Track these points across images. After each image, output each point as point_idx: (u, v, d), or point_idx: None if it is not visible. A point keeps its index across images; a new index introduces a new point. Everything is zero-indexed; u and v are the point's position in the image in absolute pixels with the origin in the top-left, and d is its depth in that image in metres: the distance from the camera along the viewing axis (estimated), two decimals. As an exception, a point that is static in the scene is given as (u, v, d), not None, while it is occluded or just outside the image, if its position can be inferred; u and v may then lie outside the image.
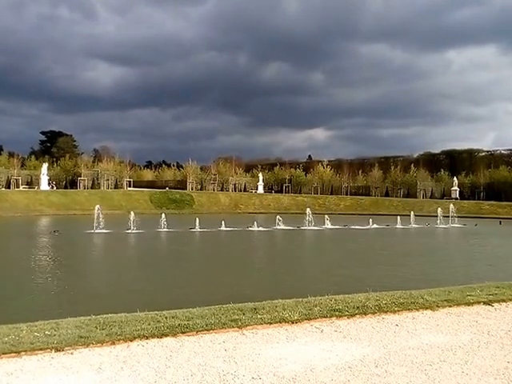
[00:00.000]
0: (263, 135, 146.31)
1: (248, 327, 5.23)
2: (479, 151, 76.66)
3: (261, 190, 62.72)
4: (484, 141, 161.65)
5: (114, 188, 57.36)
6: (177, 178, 67.81)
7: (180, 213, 48.78)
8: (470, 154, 76.13)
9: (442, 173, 64.21)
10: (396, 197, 60.22)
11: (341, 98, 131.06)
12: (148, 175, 78.77)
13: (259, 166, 71.50)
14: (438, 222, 34.51)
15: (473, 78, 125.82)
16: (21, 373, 3.94)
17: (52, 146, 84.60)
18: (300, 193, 63.70)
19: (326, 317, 5.68)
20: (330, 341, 4.92)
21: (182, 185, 62.15)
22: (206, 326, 5.17)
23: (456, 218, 35.74)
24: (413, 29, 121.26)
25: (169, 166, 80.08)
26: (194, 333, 5.01)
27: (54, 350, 4.42)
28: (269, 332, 5.16)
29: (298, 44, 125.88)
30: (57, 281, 12.59)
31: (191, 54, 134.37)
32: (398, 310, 6.07)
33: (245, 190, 63.90)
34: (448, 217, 35.39)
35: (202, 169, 67.44)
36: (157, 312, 5.75)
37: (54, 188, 53.87)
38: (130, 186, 59.73)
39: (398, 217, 33.85)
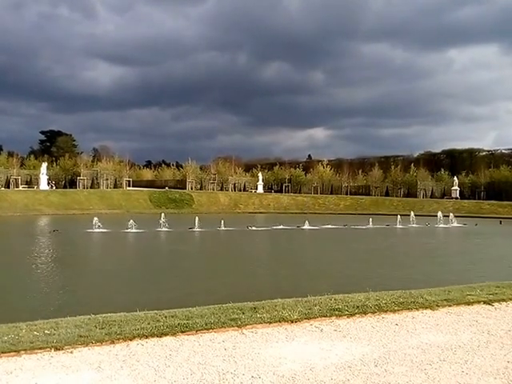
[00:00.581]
0: (263, 135, 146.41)
1: (247, 326, 5.23)
2: (480, 151, 76.79)
3: (260, 189, 62.70)
4: (485, 140, 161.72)
5: (114, 188, 57.36)
6: (176, 178, 67.79)
7: (179, 212, 48.76)
8: (471, 153, 76.23)
9: (443, 172, 64.24)
10: (396, 196, 60.22)
11: (341, 98, 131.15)
12: (147, 175, 78.72)
13: (259, 166, 71.46)
14: (438, 221, 34.48)
15: (474, 77, 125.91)
16: (20, 372, 3.94)
17: (51, 145, 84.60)
18: (300, 192, 63.69)
19: (326, 316, 5.67)
20: (329, 340, 4.92)
21: (181, 184, 62.14)
22: (206, 325, 5.17)
23: (456, 218, 35.73)
24: (414, 28, 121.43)
25: (168, 165, 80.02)
26: (194, 332, 5.01)
27: (53, 349, 4.41)
28: (268, 331, 5.15)
29: (298, 43, 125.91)
30: (56, 280, 12.59)
31: (191, 54, 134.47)
32: (398, 310, 6.07)
33: (244, 190, 63.90)
34: (448, 216, 35.39)
35: (201, 168, 67.44)
36: (156, 311, 5.75)
37: (54, 187, 53.86)
38: (129, 186, 59.73)
39: (398, 216, 33.83)
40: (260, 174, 64.18)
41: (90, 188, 55.50)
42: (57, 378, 3.84)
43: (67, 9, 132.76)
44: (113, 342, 4.64)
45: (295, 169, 69.50)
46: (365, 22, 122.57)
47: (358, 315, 5.78)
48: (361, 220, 35.43)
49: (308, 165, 76.07)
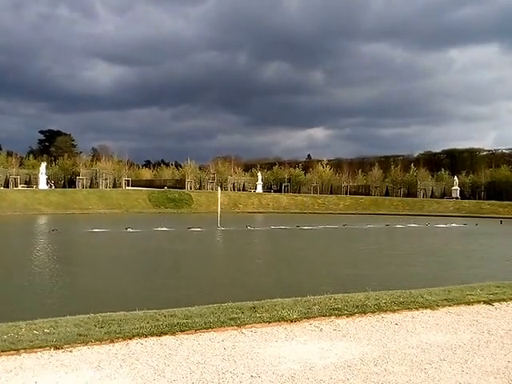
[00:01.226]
0: (262, 134, 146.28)
1: (247, 326, 5.22)
2: (480, 150, 76.83)
3: (260, 189, 62.67)
4: (485, 140, 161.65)
5: (113, 187, 57.35)
6: (175, 178, 67.75)
7: (178, 212, 48.77)
8: (471, 153, 76.27)
9: (443, 172, 64.25)
10: (396, 196, 60.24)
11: (341, 98, 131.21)
12: (146, 174, 78.73)
13: (258, 166, 71.43)
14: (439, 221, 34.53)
15: (475, 76, 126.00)
16: (20, 370, 3.93)
17: (50, 145, 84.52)
18: (299, 192, 63.67)
19: (325, 316, 5.66)
20: (329, 339, 4.91)
21: (180, 184, 62.10)
22: (205, 324, 5.16)
23: (456, 218, 35.74)
24: (414, 27, 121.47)
25: (167, 165, 79.95)
26: (193, 331, 5.00)
27: (52, 348, 4.40)
28: (268, 331, 5.14)
29: (298, 43, 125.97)
30: (56, 279, 12.57)
31: (191, 54, 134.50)
32: (398, 309, 6.06)
33: (244, 190, 63.86)
34: (448, 216, 35.39)
35: (200, 168, 67.39)
36: (156, 310, 5.74)
37: (53, 187, 53.82)
38: (128, 186, 59.71)
39: (398, 216, 33.84)
40: (259, 174, 64.14)
41: (89, 188, 55.46)
42: (56, 376, 3.83)
43: (67, 9, 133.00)
44: (112, 341, 4.63)
45: (295, 168, 69.46)
46: (365, 22, 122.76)
47: (357, 315, 5.78)
48: (361, 220, 35.41)
49: (307, 164, 76.03)
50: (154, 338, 4.77)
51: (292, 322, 5.42)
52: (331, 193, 62.96)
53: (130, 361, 4.20)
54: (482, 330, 5.35)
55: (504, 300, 6.65)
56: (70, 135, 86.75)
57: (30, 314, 6.37)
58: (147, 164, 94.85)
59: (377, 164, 67.19)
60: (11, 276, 12.87)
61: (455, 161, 75.07)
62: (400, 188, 61.86)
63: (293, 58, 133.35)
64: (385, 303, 6.22)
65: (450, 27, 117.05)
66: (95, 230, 25.47)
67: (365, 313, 5.84)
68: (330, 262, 16.74)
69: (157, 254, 19.08)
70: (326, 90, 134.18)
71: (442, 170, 65.28)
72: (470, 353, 4.58)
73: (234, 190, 63.37)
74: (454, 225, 34.56)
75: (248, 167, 73.08)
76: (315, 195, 60.76)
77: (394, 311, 5.99)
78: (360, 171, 67.45)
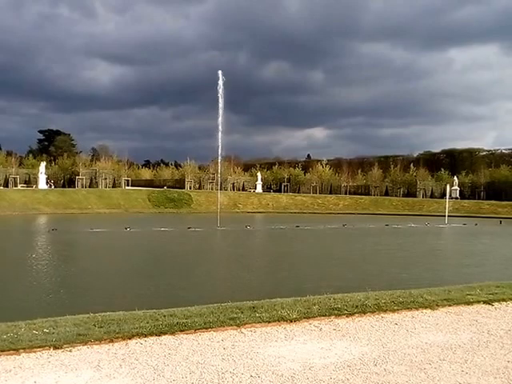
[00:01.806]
0: (262, 134, 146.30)
1: (246, 326, 5.21)
2: (480, 150, 76.77)
3: (259, 189, 62.63)
4: (485, 140, 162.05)
5: (112, 187, 57.29)
6: (175, 177, 67.69)
7: (178, 212, 48.74)
8: (471, 153, 76.24)
9: (442, 172, 64.26)
10: (396, 196, 60.24)
11: (341, 97, 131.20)
12: (146, 174, 78.65)
13: (258, 165, 71.41)
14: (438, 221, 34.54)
15: (474, 77, 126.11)
16: (19, 370, 3.93)
17: (50, 144, 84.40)
18: (299, 192, 63.65)
19: (325, 315, 5.66)
20: (328, 339, 4.91)
21: (180, 184, 62.05)
22: (205, 324, 5.15)
23: (456, 218, 35.75)
24: (414, 28, 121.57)
25: (167, 165, 79.94)
26: (193, 331, 4.99)
27: (52, 348, 4.40)
28: (267, 330, 5.14)
29: (298, 43, 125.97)
30: (55, 279, 12.55)
31: (191, 53, 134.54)
32: (398, 309, 6.06)
33: (243, 190, 63.84)
34: (448, 216, 35.40)
35: (200, 168, 67.37)
36: (155, 310, 5.74)
37: (52, 187, 53.78)
38: (128, 185, 59.67)
39: (398, 216, 33.83)
40: (259, 174, 64.10)
41: (89, 187, 55.42)
42: (56, 376, 3.83)
43: (67, 8, 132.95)
44: (112, 341, 4.63)
45: (294, 168, 69.43)
46: (365, 22, 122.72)
47: (357, 314, 5.78)
48: (360, 220, 35.41)
49: (307, 164, 75.98)
50: (154, 338, 4.77)
51: (292, 321, 5.41)
52: (331, 193, 62.95)
53: (129, 360, 4.19)
54: (481, 329, 5.35)
55: (504, 300, 6.65)
56: (69, 135, 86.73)
57: (30, 313, 6.37)
58: (147, 164, 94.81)
59: (376, 164, 67.18)
60: (11, 276, 12.85)
61: (455, 161, 75.06)
62: (400, 188, 61.86)
63: (293, 58, 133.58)
64: (384, 303, 6.22)
65: (450, 27, 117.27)
66: (95, 230, 25.46)
67: (364, 313, 5.84)
68: (330, 263, 16.72)
69: (156, 253, 19.06)
70: (325, 90, 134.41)
71: (442, 170, 65.29)
72: (469, 353, 4.58)
73: (233, 189, 63.35)
74: (453, 225, 34.58)
75: (248, 167, 73.07)
76: (315, 195, 60.74)
77: (393, 311, 5.99)
78: (360, 171, 67.46)
